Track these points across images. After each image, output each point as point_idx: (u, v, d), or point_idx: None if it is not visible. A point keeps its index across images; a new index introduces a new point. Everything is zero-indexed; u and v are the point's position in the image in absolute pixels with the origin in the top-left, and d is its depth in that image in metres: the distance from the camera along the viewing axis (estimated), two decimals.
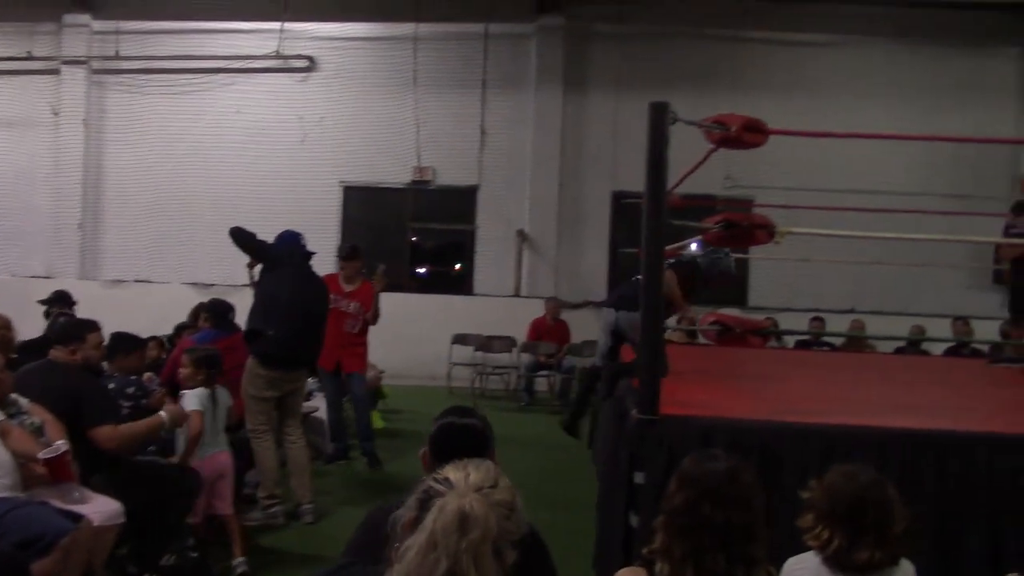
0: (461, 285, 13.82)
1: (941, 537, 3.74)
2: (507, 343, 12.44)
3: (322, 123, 13.58)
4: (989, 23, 13.25)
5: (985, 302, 11.70)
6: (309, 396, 7.66)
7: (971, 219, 10.07)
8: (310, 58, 13.65)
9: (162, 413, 4.79)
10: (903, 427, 4.13)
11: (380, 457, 7.77)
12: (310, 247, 6.60)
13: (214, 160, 13.57)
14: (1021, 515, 3.75)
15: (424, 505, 1.75)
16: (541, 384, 12.24)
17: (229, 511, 5.15)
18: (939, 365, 8.92)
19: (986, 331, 9.97)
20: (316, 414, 7.84)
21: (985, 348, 9.57)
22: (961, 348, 10.59)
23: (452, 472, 1.81)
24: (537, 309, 12.53)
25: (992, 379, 7.37)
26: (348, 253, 8.02)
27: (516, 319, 12.46)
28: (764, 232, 4.40)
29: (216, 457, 5.17)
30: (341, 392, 7.98)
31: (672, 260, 5.96)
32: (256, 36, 13.58)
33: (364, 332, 7.93)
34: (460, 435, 2.57)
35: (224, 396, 5.34)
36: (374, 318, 7.86)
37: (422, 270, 14.34)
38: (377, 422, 9.28)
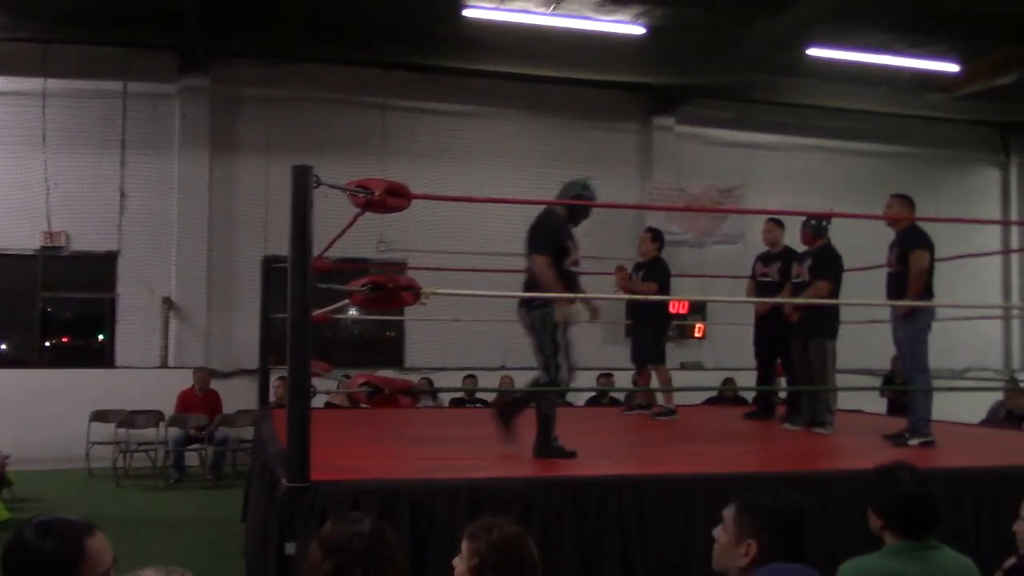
0: (101, 357, 12.86)
1: None
2: (153, 417, 11.62)
3: None
4: (613, 102, 14.64)
5: (620, 355, 12.66)
6: None
7: (607, 278, 10.87)
8: None
9: None
10: (547, 475, 4.33)
11: None
12: None
13: None
14: (648, 552, 4.03)
15: None
16: (192, 459, 11.60)
17: None
18: (582, 415, 9.50)
19: (622, 381, 10.77)
20: None
21: (622, 397, 10.37)
22: (601, 398, 11.43)
23: (153, 573, 1.73)
24: (185, 380, 11.90)
25: (626, 425, 7.99)
26: None
27: (163, 391, 11.69)
28: (410, 293, 4.47)
29: None
30: None
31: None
32: None
33: None
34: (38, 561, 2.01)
35: None
36: None
37: (55, 342, 13.20)
38: (1, 513, 8.37)
